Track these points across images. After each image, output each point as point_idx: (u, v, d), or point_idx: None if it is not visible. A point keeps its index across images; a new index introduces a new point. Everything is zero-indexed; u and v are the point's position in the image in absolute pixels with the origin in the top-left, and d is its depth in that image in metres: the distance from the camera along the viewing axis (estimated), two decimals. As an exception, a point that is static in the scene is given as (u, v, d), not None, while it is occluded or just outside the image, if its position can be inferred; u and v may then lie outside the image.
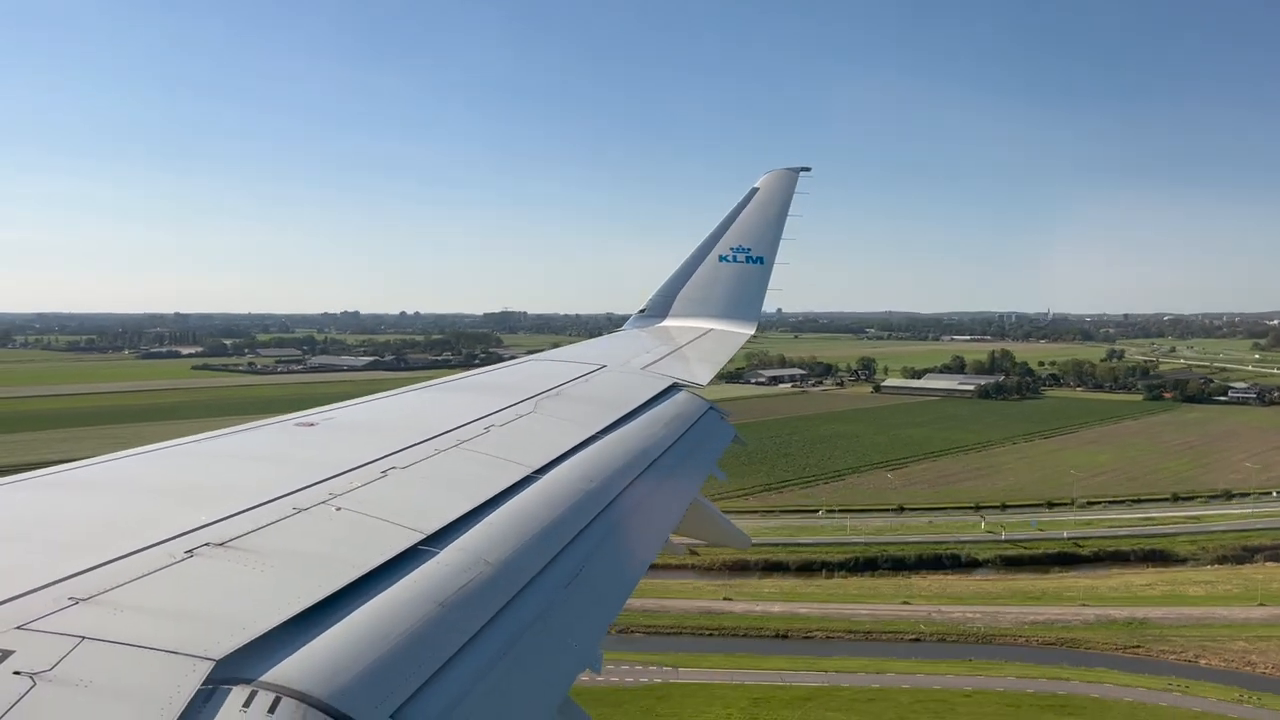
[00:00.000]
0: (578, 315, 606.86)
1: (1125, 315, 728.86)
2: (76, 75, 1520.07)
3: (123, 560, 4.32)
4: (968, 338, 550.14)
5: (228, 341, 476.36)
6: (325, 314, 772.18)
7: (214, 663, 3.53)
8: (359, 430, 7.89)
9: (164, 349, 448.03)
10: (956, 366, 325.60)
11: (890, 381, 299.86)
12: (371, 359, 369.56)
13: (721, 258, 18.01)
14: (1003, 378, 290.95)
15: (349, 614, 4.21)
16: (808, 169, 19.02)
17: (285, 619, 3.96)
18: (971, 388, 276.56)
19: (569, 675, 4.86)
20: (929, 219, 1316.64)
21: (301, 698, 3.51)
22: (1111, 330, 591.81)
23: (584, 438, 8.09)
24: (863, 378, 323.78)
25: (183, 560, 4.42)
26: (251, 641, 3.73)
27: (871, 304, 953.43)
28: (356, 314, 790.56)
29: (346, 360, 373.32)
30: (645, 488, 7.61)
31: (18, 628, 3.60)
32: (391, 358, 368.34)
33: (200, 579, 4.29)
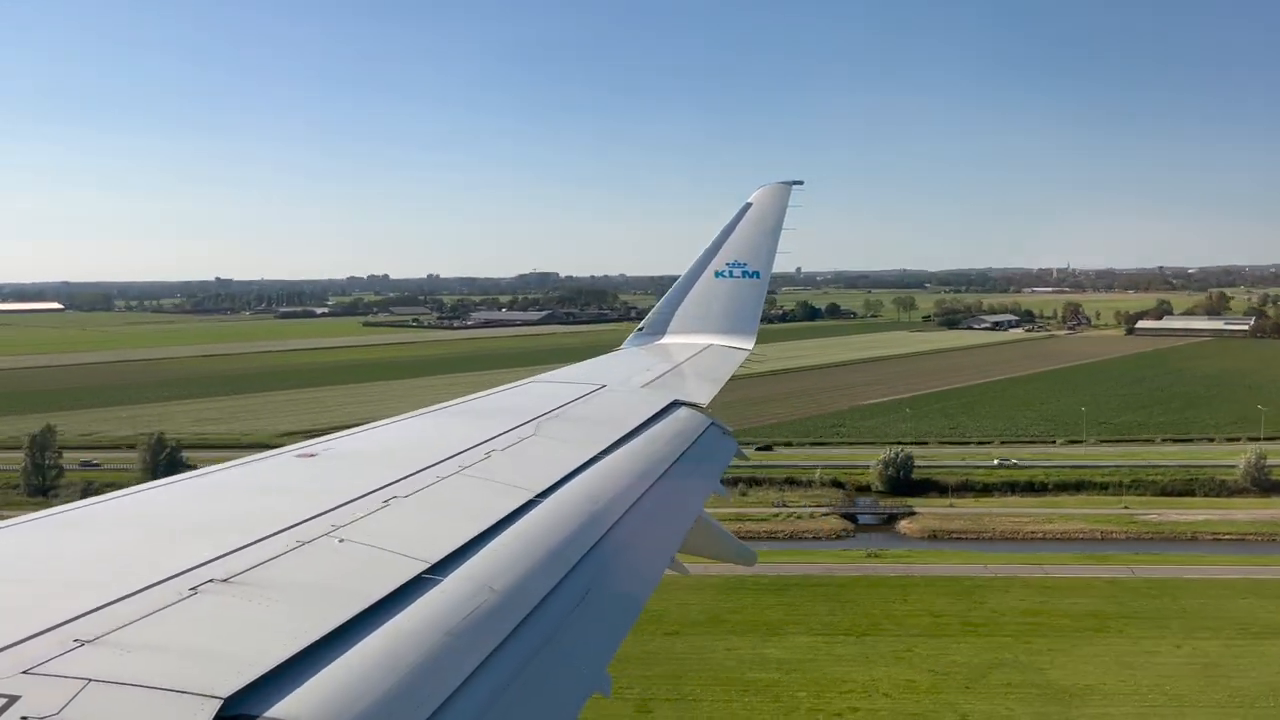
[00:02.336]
0: (606, 276, 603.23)
1: (1160, 267, 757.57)
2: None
3: (127, 600, 4.30)
4: (1050, 289, 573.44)
5: (331, 302, 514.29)
6: (351, 278, 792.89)
7: (221, 700, 3.52)
8: (360, 460, 7.82)
9: (298, 309, 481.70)
10: (1165, 310, 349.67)
11: (1145, 324, 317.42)
12: (545, 313, 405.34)
13: (718, 274, 18.06)
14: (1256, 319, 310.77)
15: (356, 646, 4.20)
16: (800, 182, 18.97)
17: (292, 654, 3.95)
18: (1245, 327, 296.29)
19: (578, 699, 4.87)
20: (930, 182, 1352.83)
21: None
22: (1175, 282, 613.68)
23: (586, 459, 8.06)
24: (1084, 322, 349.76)
25: (187, 597, 4.39)
26: (259, 678, 3.72)
27: (883, 263, 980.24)
28: (386, 277, 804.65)
29: (519, 315, 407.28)
30: (649, 507, 7.56)
31: (24, 672, 3.58)
32: (547, 313, 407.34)
33: (205, 616, 4.28)
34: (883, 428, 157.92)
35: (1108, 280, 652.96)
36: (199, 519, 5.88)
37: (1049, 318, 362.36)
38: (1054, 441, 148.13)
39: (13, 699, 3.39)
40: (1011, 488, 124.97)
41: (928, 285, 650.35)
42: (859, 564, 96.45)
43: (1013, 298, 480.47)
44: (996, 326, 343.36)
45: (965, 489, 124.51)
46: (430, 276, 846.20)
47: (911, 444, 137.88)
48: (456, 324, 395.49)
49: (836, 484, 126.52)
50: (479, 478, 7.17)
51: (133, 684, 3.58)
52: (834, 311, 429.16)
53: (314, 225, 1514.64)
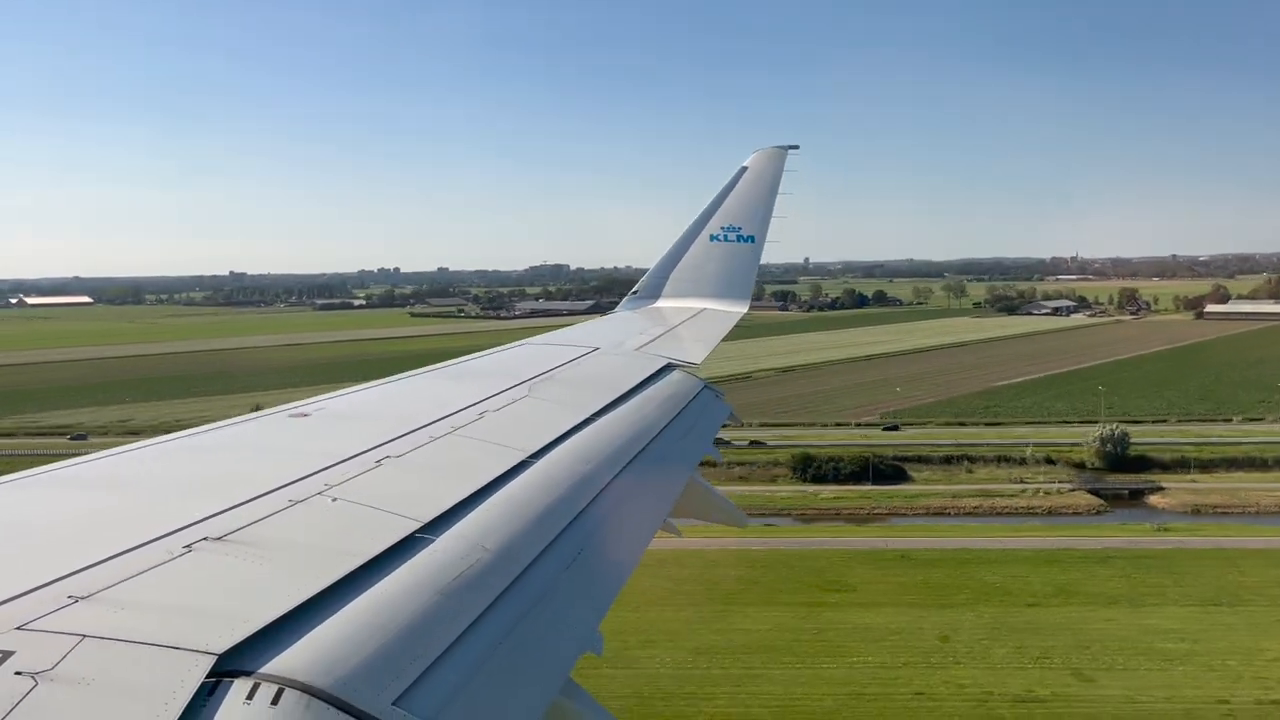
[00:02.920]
0: (616, 268, 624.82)
1: (1174, 256, 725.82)
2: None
3: (121, 557, 4.35)
4: (1074, 277, 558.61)
5: (364, 295, 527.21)
6: (362, 271, 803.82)
7: (216, 656, 3.54)
8: (353, 420, 7.85)
9: (336, 302, 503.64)
10: (1224, 294, 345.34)
11: (1213, 308, 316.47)
12: (591, 303, 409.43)
13: (713, 237, 17.93)
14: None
15: (349, 604, 4.20)
16: (796, 147, 18.74)
17: (285, 611, 3.97)
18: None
19: (570, 658, 4.83)
20: (934, 170, 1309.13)
21: (304, 688, 3.52)
22: (1199, 269, 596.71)
23: (579, 421, 8.00)
24: (1144, 307, 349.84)
25: (181, 555, 4.42)
26: (253, 634, 3.75)
27: (886, 253, 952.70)
28: (397, 270, 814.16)
29: (565, 305, 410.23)
30: (641, 469, 7.49)
31: (18, 628, 3.63)
32: (592, 302, 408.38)
33: (199, 573, 4.30)
34: (1037, 407, 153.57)
35: (1127, 269, 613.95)
36: (193, 478, 5.93)
37: (1102, 304, 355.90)
38: (1230, 419, 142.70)
39: (7, 654, 3.42)
40: (1230, 463, 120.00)
41: (945, 274, 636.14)
42: (1155, 537, 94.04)
43: (1045, 285, 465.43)
44: (1057, 312, 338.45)
45: (1181, 465, 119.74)
46: (440, 270, 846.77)
47: (1081, 423, 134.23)
48: (504, 314, 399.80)
49: (1049, 460, 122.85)
50: (472, 438, 7.14)
51: (127, 640, 3.59)
52: (881, 299, 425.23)
53: (321, 219, 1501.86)
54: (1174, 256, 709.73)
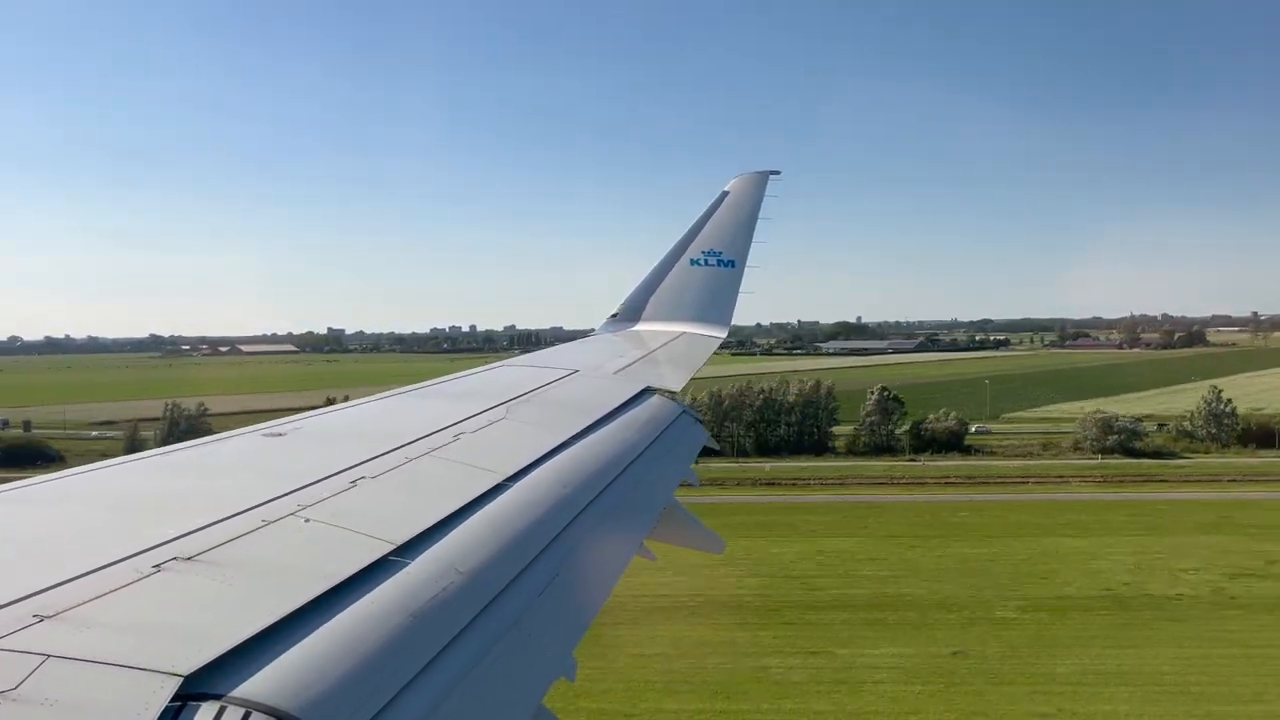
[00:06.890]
0: None
1: (1214, 315, 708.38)
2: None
3: (88, 576, 4.26)
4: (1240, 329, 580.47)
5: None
6: (434, 329, 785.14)
7: (182, 678, 3.46)
8: (328, 440, 7.82)
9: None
10: None
11: None
12: (919, 340, 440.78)
13: (693, 261, 17.96)
14: None
15: (319, 627, 4.13)
16: (777, 172, 18.87)
17: (254, 633, 3.90)
18: None
19: (543, 684, 4.82)
20: (945, 229, 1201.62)
21: (271, 712, 3.45)
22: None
23: (557, 444, 7.98)
24: None
25: (149, 575, 4.34)
26: (220, 656, 3.66)
27: (908, 314, 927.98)
28: (474, 328, 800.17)
29: (896, 343, 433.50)
30: (619, 493, 7.49)
31: None
32: (919, 342, 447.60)
33: (167, 594, 4.22)
34: None
35: (1182, 324, 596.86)
36: (163, 496, 5.85)
37: None
38: None
39: None
40: None
41: (1019, 331, 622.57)
42: None
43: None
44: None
45: None
46: (507, 327, 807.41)
47: None
48: (828, 350, 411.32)
49: None
50: (448, 460, 7.09)
51: (92, 660, 3.51)
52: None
53: (398, 279, 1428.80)
54: (1213, 316, 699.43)
